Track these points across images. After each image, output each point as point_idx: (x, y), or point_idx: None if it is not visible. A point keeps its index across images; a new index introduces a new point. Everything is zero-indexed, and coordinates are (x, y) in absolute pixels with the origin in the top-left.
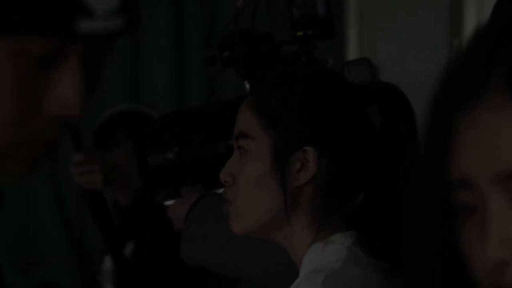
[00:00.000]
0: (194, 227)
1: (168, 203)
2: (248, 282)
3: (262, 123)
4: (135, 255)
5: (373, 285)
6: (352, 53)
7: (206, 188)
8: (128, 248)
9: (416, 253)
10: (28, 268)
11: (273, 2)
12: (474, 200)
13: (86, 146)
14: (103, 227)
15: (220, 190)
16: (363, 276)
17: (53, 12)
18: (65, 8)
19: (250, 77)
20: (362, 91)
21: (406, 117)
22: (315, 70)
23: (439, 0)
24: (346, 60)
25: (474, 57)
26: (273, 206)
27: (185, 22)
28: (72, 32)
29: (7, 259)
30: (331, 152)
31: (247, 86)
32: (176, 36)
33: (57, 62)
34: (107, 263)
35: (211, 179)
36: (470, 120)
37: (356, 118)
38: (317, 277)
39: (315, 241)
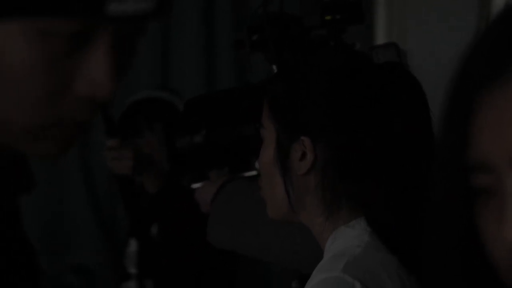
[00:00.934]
0: (221, 210)
1: (195, 186)
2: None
3: (269, 113)
4: (160, 238)
5: (395, 270)
6: (380, 38)
7: (232, 171)
8: (153, 230)
9: (437, 239)
10: (59, 253)
11: None
12: (492, 183)
13: (118, 131)
14: (130, 210)
15: (247, 174)
16: (385, 261)
17: None
18: None
19: (279, 61)
20: (371, 73)
21: (414, 100)
22: (325, 53)
23: None
24: (374, 44)
25: (498, 36)
26: (283, 194)
27: (215, 6)
28: (102, 14)
29: (39, 245)
30: (327, 139)
31: (276, 70)
32: (205, 20)
33: (88, 44)
34: (132, 246)
35: (238, 162)
36: (490, 100)
37: (357, 104)
38: (338, 262)
39: (332, 227)
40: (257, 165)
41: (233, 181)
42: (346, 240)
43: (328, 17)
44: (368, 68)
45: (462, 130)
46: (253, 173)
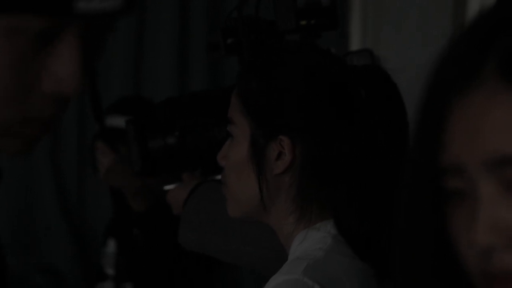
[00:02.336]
0: (191, 212)
1: (168, 187)
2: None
3: (242, 109)
4: (140, 240)
5: (356, 275)
6: (355, 45)
7: (205, 173)
8: (135, 232)
9: (408, 242)
10: (25, 252)
11: None
12: (464, 186)
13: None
14: (116, 210)
15: (219, 176)
16: (346, 266)
17: None
18: None
19: (243, 65)
20: (349, 75)
21: (392, 102)
22: (302, 53)
23: None
24: (349, 50)
25: (469, 42)
26: (254, 192)
27: (190, 9)
28: (70, 11)
29: (6, 243)
30: (308, 141)
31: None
32: (179, 22)
33: (54, 41)
34: (110, 246)
35: (210, 164)
36: (462, 105)
37: (336, 105)
38: (299, 265)
39: (300, 228)
40: (218, 160)
41: (204, 184)
42: (310, 243)
43: (303, 22)
44: (346, 69)
45: (435, 134)
46: None
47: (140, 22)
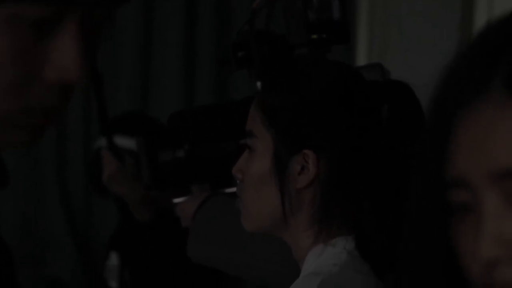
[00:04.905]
0: (201, 225)
1: (177, 200)
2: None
3: (265, 122)
4: (143, 251)
5: None
6: (361, 58)
7: (214, 186)
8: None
9: (414, 253)
10: (31, 264)
11: (289, 4)
12: (469, 199)
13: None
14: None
15: (228, 190)
16: (360, 283)
17: None
18: None
19: (263, 78)
20: (372, 89)
21: (415, 117)
22: (324, 67)
23: (450, 8)
24: (356, 64)
25: (477, 56)
26: (275, 206)
27: (197, 23)
28: None
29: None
30: (333, 156)
31: (260, 87)
32: (187, 36)
33: (55, 29)
34: (113, 259)
35: (219, 177)
36: (468, 119)
37: (361, 119)
38: (313, 280)
39: (317, 243)
40: (234, 173)
41: (214, 197)
42: (325, 258)
43: (314, 36)
44: (368, 84)
45: (440, 147)
46: (234, 189)
47: (146, 36)
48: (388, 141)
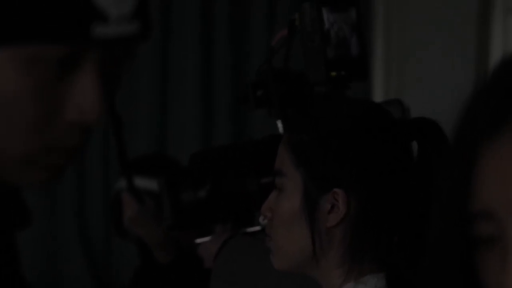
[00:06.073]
0: (223, 266)
1: (200, 240)
2: None
3: (293, 161)
4: None
5: None
6: (378, 95)
7: (236, 226)
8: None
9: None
10: None
11: (308, 42)
12: (495, 232)
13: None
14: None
15: (251, 229)
16: None
17: (68, 18)
18: (80, 13)
19: (283, 117)
20: (400, 126)
21: (443, 154)
22: (350, 104)
23: (465, 43)
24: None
25: (499, 85)
26: (305, 245)
27: (214, 61)
28: (88, 37)
29: None
30: (363, 194)
31: (280, 125)
32: (204, 74)
33: (75, 69)
34: None
35: (241, 217)
36: (493, 150)
37: (390, 157)
38: None
39: (348, 281)
40: (262, 218)
41: (236, 237)
42: None
43: (333, 73)
44: (396, 121)
45: (465, 179)
46: (257, 228)
47: (163, 72)
48: (418, 179)
